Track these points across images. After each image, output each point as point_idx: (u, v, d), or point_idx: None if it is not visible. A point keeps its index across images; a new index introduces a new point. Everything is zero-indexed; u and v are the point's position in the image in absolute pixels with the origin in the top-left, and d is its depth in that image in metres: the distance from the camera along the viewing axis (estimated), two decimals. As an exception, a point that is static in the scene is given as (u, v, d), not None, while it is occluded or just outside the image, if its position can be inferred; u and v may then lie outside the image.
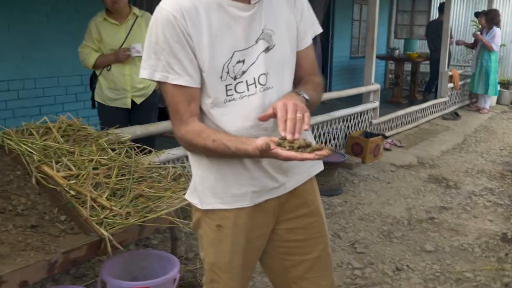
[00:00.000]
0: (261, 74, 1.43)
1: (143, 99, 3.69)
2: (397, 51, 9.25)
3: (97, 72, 3.65)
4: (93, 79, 3.74)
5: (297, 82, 1.56)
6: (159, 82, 1.40)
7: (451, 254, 3.41)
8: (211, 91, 1.40)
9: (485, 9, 10.30)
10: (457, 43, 9.79)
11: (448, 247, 3.52)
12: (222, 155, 1.37)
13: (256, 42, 1.43)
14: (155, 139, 3.79)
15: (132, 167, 2.42)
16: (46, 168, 2.24)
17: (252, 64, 1.43)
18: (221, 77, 1.39)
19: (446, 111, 8.59)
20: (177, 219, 2.26)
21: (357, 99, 6.32)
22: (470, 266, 3.25)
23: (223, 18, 1.39)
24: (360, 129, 6.09)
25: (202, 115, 1.45)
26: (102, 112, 3.66)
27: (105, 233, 2.00)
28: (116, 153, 2.52)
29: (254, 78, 1.42)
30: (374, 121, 6.31)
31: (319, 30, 1.66)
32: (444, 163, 5.71)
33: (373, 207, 4.27)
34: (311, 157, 1.18)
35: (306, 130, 1.23)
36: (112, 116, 3.54)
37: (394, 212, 4.15)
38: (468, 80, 9.39)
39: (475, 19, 10.09)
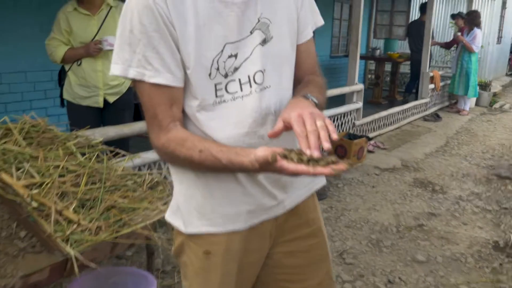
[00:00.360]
0: (257, 71, 1.20)
1: (117, 97, 3.40)
2: (378, 51, 9.13)
3: (66, 67, 3.34)
4: (62, 75, 3.43)
5: (297, 82, 1.33)
6: (134, 80, 1.15)
7: (444, 265, 3.24)
8: (197, 91, 1.16)
9: (463, 10, 10.28)
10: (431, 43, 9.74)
11: (440, 256, 3.35)
12: (211, 169, 1.14)
13: (251, 33, 1.20)
14: (129, 140, 3.52)
15: (103, 174, 2.16)
16: (4, 176, 1.96)
17: (246, 59, 1.19)
18: (209, 75, 1.16)
19: (427, 112, 8.50)
20: (154, 234, 2.01)
21: (337, 100, 6.13)
22: (465, 278, 3.08)
23: (213, 4, 1.15)
24: (343, 130, 5.92)
25: (185, 120, 1.22)
26: (72, 112, 3.36)
27: (72, 251, 1.74)
28: (86, 158, 2.25)
29: (248, 76, 1.19)
30: (357, 122, 6.14)
31: (321, 22, 1.43)
32: (429, 166, 5.58)
33: (360, 213, 4.08)
34: (326, 171, 0.96)
35: (335, 139, 1.01)
36: (83, 116, 3.25)
37: (381, 219, 3.97)
38: (448, 81, 9.33)
39: (453, 21, 10.06)
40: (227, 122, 1.18)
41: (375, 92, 8.95)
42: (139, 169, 3.29)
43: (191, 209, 1.25)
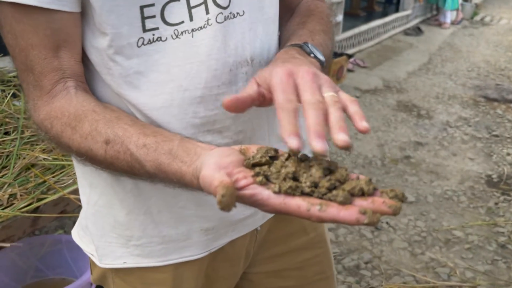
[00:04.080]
0: None
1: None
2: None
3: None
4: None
5: (285, 10, 0.81)
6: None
7: (435, 205, 2.90)
8: (104, 19, 0.63)
9: None
10: None
11: (431, 195, 3.01)
12: (127, 174, 0.64)
13: None
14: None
15: (21, 119, 1.64)
16: None
17: None
18: None
19: (408, 25, 7.95)
20: (91, 199, 1.54)
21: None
22: (458, 221, 2.76)
23: None
24: (320, 47, 5.37)
25: (90, 76, 0.71)
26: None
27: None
28: (-3, 98, 1.71)
29: None
30: (336, 38, 5.58)
31: None
32: (412, 87, 5.15)
33: (340, 143, 3.67)
34: (350, 217, 0.47)
35: (365, 130, 0.54)
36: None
37: (364, 150, 3.58)
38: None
39: None
40: (165, 78, 0.67)
41: (353, 2, 8.28)
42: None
43: (107, 230, 0.77)
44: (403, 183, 3.14)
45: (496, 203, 2.97)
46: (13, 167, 1.49)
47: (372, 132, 3.92)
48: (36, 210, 1.45)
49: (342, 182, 0.51)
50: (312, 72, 0.56)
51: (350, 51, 5.87)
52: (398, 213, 0.48)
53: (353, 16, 7.58)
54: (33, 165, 1.53)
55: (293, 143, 0.49)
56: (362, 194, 0.50)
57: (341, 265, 2.34)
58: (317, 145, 0.48)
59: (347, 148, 0.50)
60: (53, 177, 1.52)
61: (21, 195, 1.44)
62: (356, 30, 6.12)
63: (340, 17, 5.56)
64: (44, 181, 1.50)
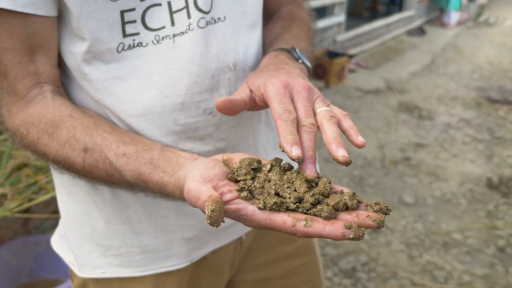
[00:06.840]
0: None
1: None
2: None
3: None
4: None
5: (265, 13, 0.80)
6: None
7: (434, 208, 2.88)
8: (82, 24, 0.62)
9: None
10: None
11: (430, 197, 2.99)
12: (106, 183, 0.63)
13: None
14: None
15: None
16: None
17: None
18: None
19: (412, 26, 7.91)
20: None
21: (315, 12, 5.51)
22: (457, 223, 2.74)
23: None
24: (321, 47, 5.35)
25: (67, 81, 0.69)
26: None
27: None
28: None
29: None
30: (339, 38, 5.56)
31: None
32: (414, 88, 5.13)
33: (340, 144, 3.66)
34: (335, 233, 0.47)
35: (360, 145, 0.55)
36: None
37: (364, 151, 3.56)
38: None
39: None
40: (145, 84, 0.66)
41: (357, 2, 8.26)
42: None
43: (85, 239, 0.76)
44: (402, 185, 3.13)
45: (496, 206, 2.95)
46: (5, 167, 1.49)
47: (373, 133, 3.91)
48: (27, 210, 1.44)
49: (326, 196, 0.52)
50: (307, 87, 0.58)
51: (352, 51, 5.85)
52: (382, 227, 0.50)
53: (356, 16, 7.57)
54: (25, 165, 1.52)
55: (296, 152, 0.50)
56: (346, 208, 0.50)
57: (337, 267, 2.32)
58: (310, 170, 0.51)
59: (347, 163, 0.52)
60: (45, 177, 1.52)
61: (12, 195, 1.43)
62: (359, 30, 6.09)
63: (343, 17, 5.54)
64: (36, 181, 1.49)
